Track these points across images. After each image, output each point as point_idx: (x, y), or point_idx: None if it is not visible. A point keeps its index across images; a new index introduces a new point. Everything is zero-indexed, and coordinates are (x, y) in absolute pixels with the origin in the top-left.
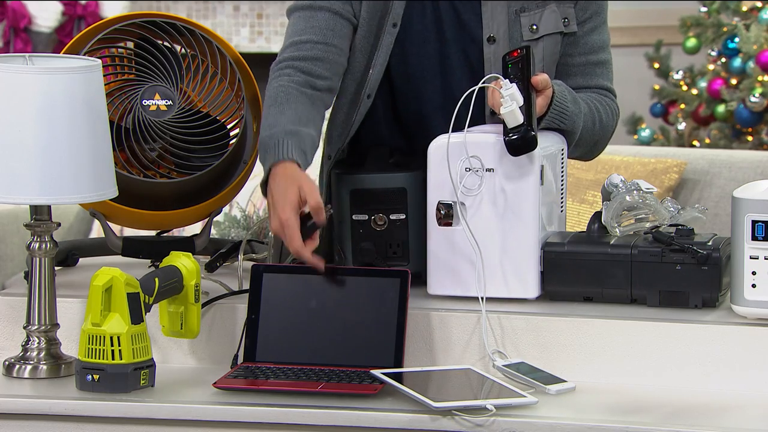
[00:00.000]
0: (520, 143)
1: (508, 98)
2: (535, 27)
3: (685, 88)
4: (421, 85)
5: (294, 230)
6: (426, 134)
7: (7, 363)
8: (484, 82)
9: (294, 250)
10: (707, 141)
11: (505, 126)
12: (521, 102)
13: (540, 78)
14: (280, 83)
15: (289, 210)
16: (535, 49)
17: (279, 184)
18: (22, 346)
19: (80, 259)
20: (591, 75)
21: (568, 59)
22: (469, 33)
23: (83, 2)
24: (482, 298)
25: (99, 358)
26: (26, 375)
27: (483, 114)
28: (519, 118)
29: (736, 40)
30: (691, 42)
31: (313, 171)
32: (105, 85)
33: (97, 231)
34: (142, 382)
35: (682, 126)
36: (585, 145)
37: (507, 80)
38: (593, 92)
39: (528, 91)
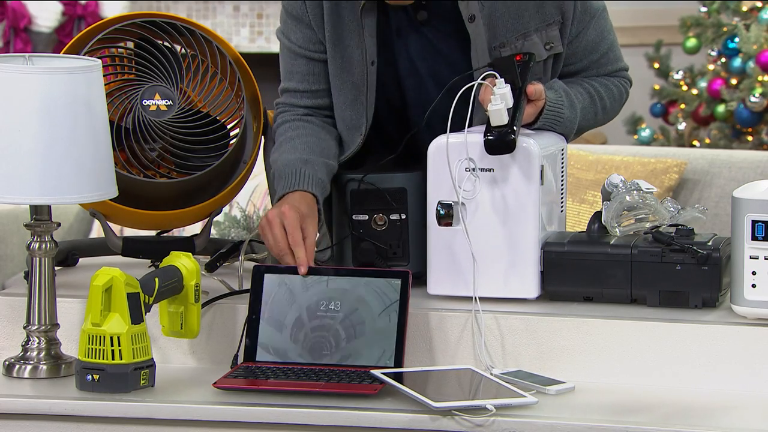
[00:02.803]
0: (498, 144)
1: (498, 97)
2: None
3: (685, 88)
4: (410, 109)
5: (295, 222)
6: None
7: (7, 363)
8: (481, 79)
9: (293, 240)
10: (707, 141)
11: (488, 123)
12: (510, 104)
13: (534, 88)
14: (284, 119)
15: (295, 212)
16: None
17: (295, 198)
18: (22, 346)
19: (80, 259)
20: (597, 67)
21: (571, 67)
22: (453, 67)
23: (83, 2)
24: (476, 299)
25: (99, 358)
26: (26, 375)
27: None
28: (504, 119)
29: (736, 40)
30: (691, 42)
31: None
32: (105, 85)
33: (97, 231)
34: (142, 382)
35: (682, 126)
36: (584, 131)
37: (502, 80)
38: (604, 77)
39: (520, 96)
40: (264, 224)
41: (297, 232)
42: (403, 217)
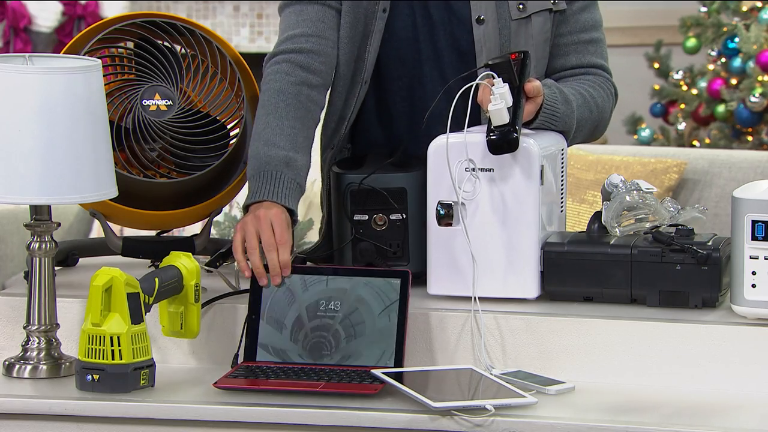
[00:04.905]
0: (501, 143)
1: (498, 96)
2: (522, 6)
3: (685, 88)
4: (413, 70)
5: (252, 234)
6: (422, 128)
7: (7, 363)
8: (479, 79)
9: (251, 246)
10: (707, 141)
11: (489, 124)
12: (510, 103)
13: (532, 85)
14: (278, 85)
15: (268, 224)
16: (525, 28)
17: (269, 210)
18: (22, 346)
19: (80, 259)
20: (583, 53)
21: (559, 39)
22: (456, 13)
23: (83, 2)
24: (475, 299)
25: (99, 358)
26: (26, 375)
27: (479, 112)
28: (505, 118)
29: (736, 40)
30: (691, 42)
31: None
32: (105, 85)
33: (97, 231)
34: (142, 382)
35: (682, 126)
36: (584, 132)
37: (500, 79)
38: (587, 72)
39: (519, 94)
40: (234, 248)
41: (252, 240)
42: (403, 217)
